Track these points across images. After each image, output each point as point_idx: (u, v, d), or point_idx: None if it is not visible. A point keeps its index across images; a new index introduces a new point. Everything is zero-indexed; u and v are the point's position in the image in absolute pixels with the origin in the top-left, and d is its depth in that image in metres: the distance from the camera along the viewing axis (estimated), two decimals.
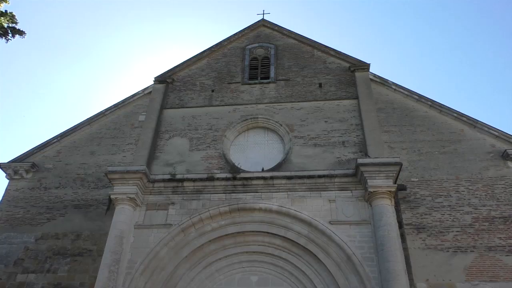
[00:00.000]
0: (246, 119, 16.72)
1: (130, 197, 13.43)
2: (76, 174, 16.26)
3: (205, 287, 13.21)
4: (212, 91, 17.96)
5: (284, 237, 13.17)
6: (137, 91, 18.44)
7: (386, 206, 12.63)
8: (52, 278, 13.81)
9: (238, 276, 13.35)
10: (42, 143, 17.22)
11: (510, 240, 13.06)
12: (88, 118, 17.79)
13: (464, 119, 15.72)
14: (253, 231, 13.45)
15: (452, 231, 13.38)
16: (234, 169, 14.59)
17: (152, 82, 18.57)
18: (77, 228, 14.81)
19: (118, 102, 18.11)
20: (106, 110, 17.96)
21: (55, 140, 17.31)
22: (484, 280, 12.49)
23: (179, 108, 17.57)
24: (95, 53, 47.18)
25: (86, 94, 46.57)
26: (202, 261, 13.39)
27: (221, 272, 13.42)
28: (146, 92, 18.34)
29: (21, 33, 12.83)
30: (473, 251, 12.98)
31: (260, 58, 18.97)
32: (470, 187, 14.19)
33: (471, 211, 13.70)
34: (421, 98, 16.47)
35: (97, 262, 13.15)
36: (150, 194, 14.11)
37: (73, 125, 17.65)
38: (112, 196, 13.61)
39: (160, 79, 18.55)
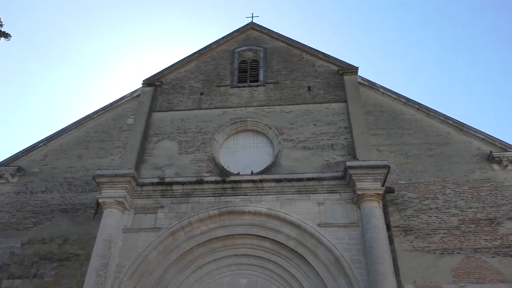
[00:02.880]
0: (235, 122, 16.73)
1: (118, 201, 13.32)
2: (63, 178, 16.07)
3: None
4: (201, 94, 17.93)
5: (273, 239, 13.19)
6: (125, 94, 18.34)
7: (374, 208, 12.73)
8: (39, 283, 13.59)
9: (227, 279, 13.32)
10: (28, 147, 16.99)
11: (496, 242, 13.24)
12: (75, 122, 17.61)
13: (451, 122, 15.94)
14: (242, 234, 13.44)
15: (439, 233, 13.52)
16: (224, 172, 14.58)
17: (141, 85, 18.48)
18: (64, 232, 14.61)
19: (106, 105, 17.98)
20: (94, 113, 17.80)
21: (41, 144, 17.09)
22: (471, 281, 12.64)
23: (168, 111, 17.51)
24: (82, 55, 46.79)
25: (73, 97, 46.16)
26: (191, 264, 13.33)
27: (210, 275, 13.38)
28: (134, 95, 18.24)
29: (6, 35, 12.62)
30: (459, 253, 13.13)
31: (249, 61, 19.01)
32: (457, 190, 14.38)
33: (457, 213, 13.87)
34: (408, 102, 16.67)
35: (85, 267, 12.99)
36: (139, 198, 14.01)
37: (60, 129, 17.46)
38: (100, 200, 13.49)
39: (149, 82, 18.47)
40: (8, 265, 14.08)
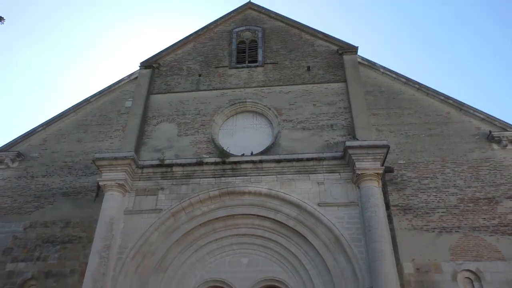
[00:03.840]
0: (234, 103, 16.67)
1: (119, 183, 13.38)
2: (63, 162, 16.12)
3: (196, 269, 13.35)
4: (199, 75, 17.81)
5: (273, 219, 13.31)
6: (122, 76, 18.21)
7: (373, 188, 12.80)
8: (43, 266, 13.78)
9: (229, 259, 13.50)
10: (27, 132, 16.98)
11: (494, 221, 13.37)
12: (73, 106, 17.54)
13: (451, 101, 15.89)
14: (242, 214, 13.56)
15: (438, 212, 13.64)
16: (223, 154, 14.60)
17: (138, 67, 18.33)
18: (66, 215, 14.74)
19: (104, 89, 17.88)
20: (91, 96, 17.71)
21: (40, 129, 17.07)
22: (468, 259, 12.81)
23: (166, 93, 17.42)
24: (78, 38, 46.27)
25: (70, 80, 45.83)
26: (193, 244, 13.49)
27: (211, 255, 13.55)
28: (132, 77, 18.11)
29: (0, 19, 12.47)
30: (458, 231, 13.27)
31: (247, 42, 18.82)
32: (456, 169, 14.44)
33: (456, 193, 13.96)
34: (408, 81, 16.58)
35: (88, 249, 13.15)
36: (139, 180, 14.07)
37: (58, 113, 17.43)
38: (100, 183, 13.55)
39: (146, 64, 18.32)
40: (11, 249, 14.24)
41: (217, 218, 13.59)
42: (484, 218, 13.39)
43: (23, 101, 45.02)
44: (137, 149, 15.45)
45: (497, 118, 15.20)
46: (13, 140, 16.76)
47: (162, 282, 12.90)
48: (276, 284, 13.06)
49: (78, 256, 13.75)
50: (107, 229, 12.63)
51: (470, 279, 12.58)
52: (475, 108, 15.55)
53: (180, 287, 13.04)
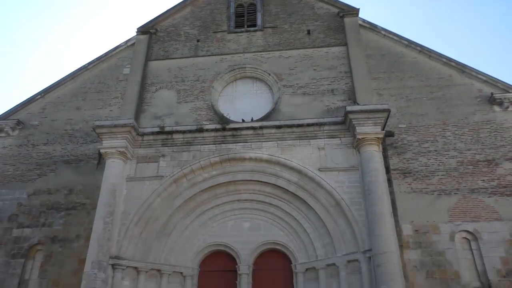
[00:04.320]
0: (234, 69, 16.46)
1: (119, 151, 13.43)
2: (63, 130, 16.13)
3: (199, 234, 13.62)
4: (198, 41, 17.50)
5: (274, 184, 13.44)
6: (119, 43, 17.90)
7: (374, 152, 12.84)
8: (48, 231, 14.07)
9: (231, 223, 13.74)
10: (26, 100, 16.89)
11: (493, 182, 13.51)
12: (71, 73, 17.35)
13: (453, 64, 15.68)
14: (244, 180, 13.68)
15: (437, 175, 13.76)
16: (223, 120, 14.56)
17: (135, 33, 17.97)
18: (68, 183, 14.91)
19: (101, 55, 17.62)
20: (89, 64, 17.48)
21: (39, 96, 16.97)
22: (466, 220, 13.04)
23: (164, 59, 17.17)
24: (75, 3, 45.23)
25: (66, 48, 45.15)
26: (195, 210, 13.70)
27: (214, 220, 13.79)
28: (129, 43, 17.80)
29: None
30: (456, 193, 13.43)
31: (246, 5, 18.36)
32: (456, 132, 14.44)
33: (456, 155, 14.03)
34: (410, 44, 16.29)
35: (92, 215, 13.37)
36: (140, 147, 14.11)
37: (56, 81, 17.28)
38: (101, 150, 13.60)
39: (143, 30, 17.94)
40: (17, 215, 14.50)
41: (218, 184, 13.72)
42: (483, 180, 13.52)
43: (20, 69, 44.55)
44: (136, 117, 15.41)
45: (499, 80, 15.04)
46: (12, 108, 16.70)
47: (166, 247, 13.19)
48: (278, 247, 13.35)
49: (83, 222, 14.02)
50: (110, 196, 12.79)
51: (468, 239, 12.85)
52: (477, 70, 15.36)
53: (183, 251, 13.34)
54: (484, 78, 15.21)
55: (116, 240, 12.52)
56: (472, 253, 12.66)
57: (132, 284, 12.38)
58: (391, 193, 12.94)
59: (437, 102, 15.05)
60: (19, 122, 16.23)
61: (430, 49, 16.03)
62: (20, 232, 14.18)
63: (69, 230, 13.99)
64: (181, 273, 13.03)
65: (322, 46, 16.53)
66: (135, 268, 12.51)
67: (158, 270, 12.80)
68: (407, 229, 12.97)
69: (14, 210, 14.61)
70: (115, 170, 13.30)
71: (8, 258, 13.78)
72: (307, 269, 12.73)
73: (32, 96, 17.01)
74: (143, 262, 12.66)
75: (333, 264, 12.31)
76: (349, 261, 12.11)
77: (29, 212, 14.51)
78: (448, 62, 15.72)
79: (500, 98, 14.62)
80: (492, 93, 14.70)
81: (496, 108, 14.72)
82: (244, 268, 12.96)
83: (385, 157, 13.47)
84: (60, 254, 13.62)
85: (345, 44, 16.34)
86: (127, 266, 12.37)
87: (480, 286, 12.20)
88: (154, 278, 12.71)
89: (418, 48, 16.14)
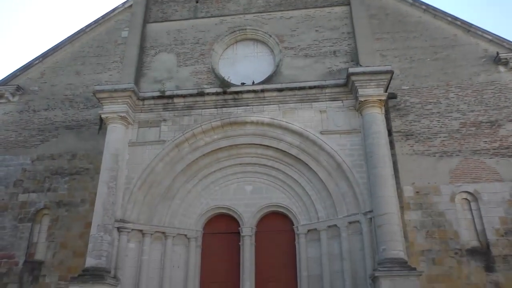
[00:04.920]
0: (234, 31, 16.09)
1: (121, 116, 13.40)
2: (64, 95, 16.04)
3: (202, 197, 13.81)
4: (197, 1, 16.99)
5: (276, 148, 13.48)
6: (117, 5, 17.45)
7: (376, 114, 12.76)
8: (53, 196, 14.28)
9: (233, 187, 13.89)
10: (24, 65, 16.68)
11: (495, 144, 13.50)
12: (68, 37, 17.02)
13: (458, 23, 15.28)
14: (245, 144, 13.71)
15: (440, 137, 13.74)
16: (224, 84, 14.41)
17: None
18: (71, 148, 14.99)
19: (98, 18, 17.21)
20: (86, 27, 17.11)
21: (37, 61, 16.74)
22: (467, 181, 13.14)
23: (163, 21, 16.75)
24: None
25: (61, 11, 44.14)
26: (198, 174, 13.82)
27: (216, 183, 13.93)
28: (126, 5, 17.30)
29: None
30: (458, 155, 13.46)
31: None
32: (460, 93, 14.29)
33: (459, 117, 13.95)
34: (415, 3, 15.81)
35: (95, 180, 13.52)
36: (141, 112, 14.07)
37: (54, 45, 16.97)
38: (102, 115, 13.57)
39: None
40: (22, 181, 14.68)
41: (220, 148, 13.77)
42: (485, 142, 13.51)
43: (17, 33, 43.76)
44: (136, 81, 15.24)
45: (505, 39, 14.69)
46: (10, 73, 16.54)
47: (169, 210, 13.40)
48: (280, 209, 13.56)
49: (87, 186, 14.20)
50: (112, 161, 12.87)
51: (468, 200, 13.01)
52: (483, 29, 14.99)
53: (187, 214, 13.57)
54: (490, 37, 14.86)
55: (120, 204, 12.73)
56: (472, 213, 12.85)
57: (138, 246, 12.68)
58: (393, 155, 13.00)
59: (441, 63, 14.79)
60: (18, 88, 16.12)
61: (435, 8, 15.59)
62: (26, 197, 14.40)
63: (74, 195, 14.20)
64: (185, 235, 13.31)
65: (324, 6, 16.07)
66: (140, 231, 12.78)
67: (163, 233, 13.07)
68: (408, 191, 13.09)
69: (19, 175, 14.78)
70: (117, 135, 13.32)
71: (16, 222, 14.07)
72: (309, 231, 12.97)
73: (31, 61, 16.79)
74: (148, 225, 12.91)
75: (335, 226, 12.53)
76: (350, 223, 12.32)
77: (33, 178, 14.68)
78: (454, 21, 15.32)
79: (506, 58, 14.34)
80: (497, 53, 14.41)
81: (501, 68, 14.48)
82: (247, 230, 13.22)
83: (387, 120, 13.42)
84: (66, 218, 13.89)
85: (348, 4, 15.85)
86: (132, 229, 12.63)
87: (479, 245, 12.46)
88: (159, 240, 13.01)
89: (423, 7, 15.69)
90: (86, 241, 12.53)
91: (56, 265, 13.30)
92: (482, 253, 12.26)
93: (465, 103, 14.12)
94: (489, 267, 12.06)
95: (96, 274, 11.31)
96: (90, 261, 11.59)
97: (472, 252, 12.30)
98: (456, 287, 11.92)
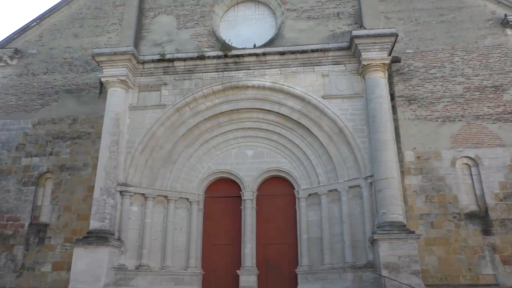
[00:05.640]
0: None
1: (121, 79, 13.26)
2: (63, 58, 15.81)
3: (204, 162, 13.88)
4: None
5: (277, 112, 13.41)
6: None
7: (379, 78, 12.60)
8: (56, 160, 14.37)
9: (235, 151, 13.93)
10: (21, 28, 16.34)
11: (499, 109, 13.38)
12: None
13: None
14: (247, 108, 13.64)
15: (443, 102, 13.60)
16: (225, 47, 14.15)
17: None
18: (72, 112, 14.94)
19: None
20: None
21: (34, 24, 16.38)
22: (469, 146, 13.11)
23: None
24: None
25: None
26: (199, 138, 13.83)
27: (217, 148, 13.97)
28: None
29: None
30: (461, 120, 13.37)
31: None
32: (465, 57, 14.02)
33: (463, 81, 13.76)
34: None
35: (97, 144, 13.55)
36: (141, 76, 13.92)
37: (51, 7, 16.56)
38: (102, 79, 13.43)
39: None
40: (24, 145, 14.73)
41: (221, 113, 13.71)
42: (489, 106, 13.39)
43: None
44: (136, 44, 14.96)
45: None
46: (8, 36, 16.24)
47: (171, 174, 13.51)
48: (281, 174, 13.65)
49: (89, 150, 14.25)
50: (113, 125, 12.85)
51: (468, 165, 13.03)
52: None
53: (189, 179, 13.68)
54: None
55: (122, 168, 12.82)
56: (472, 178, 12.91)
57: (141, 209, 12.87)
58: (395, 120, 12.95)
59: (447, 25, 14.43)
60: (17, 51, 15.87)
61: None
62: (29, 161, 14.49)
63: (76, 159, 14.27)
64: (187, 199, 13.48)
65: None
66: (143, 194, 12.93)
67: (165, 196, 13.23)
68: (409, 156, 13.11)
69: (21, 139, 14.81)
70: (117, 99, 13.23)
71: (20, 185, 14.23)
72: (309, 195, 13.11)
73: (28, 23, 16.44)
74: (150, 189, 13.05)
75: (335, 190, 12.65)
76: (350, 187, 12.42)
77: (35, 142, 14.71)
78: None
79: None
80: (505, 15, 14.02)
81: (509, 31, 14.13)
82: (248, 194, 13.36)
83: (390, 84, 13.29)
84: (69, 181, 14.02)
85: None
86: (135, 193, 12.78)
87: (477, 209, 12.59)
88: (161, 203, 13.18)
89: None
90: (89, 204, 12.72)
91: (61, 227, 13.55)
92: (480, 217, 12.41)
93: (470, 67, 13.88)
94: (486, 231, 12.25)
95: (100, 236, 11.54)
96: (94, 224, 11.80)
97: (471, 216, 12.45)
98: (453, 249, 12.15)
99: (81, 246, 11.44)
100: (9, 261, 13.43)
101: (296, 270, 12.52)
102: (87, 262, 11.25)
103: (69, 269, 11.78)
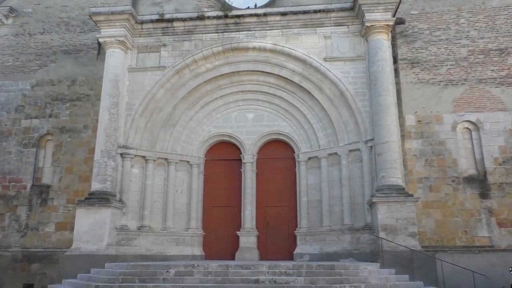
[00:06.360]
0: None
1: (119, 40, 12.99)
2: (59, 17, 15.46)
3: (204, 125, 13.85)
4: None
5: (278, 75, 13.24)
6: None
7: (382, 41, 12.33)
8: (56, 122, 14.35)
9: (235, 114, 13.88)
10: None
11: (502, 72, 13.22)
12: None
13: None
14: (247, 71, 13.45)
15: (446, 65, 13.42)
16: (225, 7, 13.77)
17: None
18: (70, 74, 14.78)
19: None
20: None
21: None
22: (470, 110, 13.06)
23: None
24: None
25: None
26: (199, 101, 13.73)
27: (218, 111, 13.90)
28: None
29: None
30: (464, 83, 13.24)
31: None
32: (471, 19, 13.70)
33: (468, 44, 13.51)
34: None
35: (97, 106, 13.49)
36: (140, 36, 13.64)
37: None
38: (100, 40, 13.17)
39: None
40: (23, 107, 14.65)
41: (222, 75, 13.54)
42: (493, 70, 13.22)
43: None
44: (134, 3, 14.47)
45: None
46: None
47: (171, 137, 13.51)
48: (281, 137, 13.65)
49: (89, 113, 14.21)
50: (113, 87, 12.71)
51: (469, 129, 13.02)
52: None
53: (189, 141, 13.70)
54: None
55: (123, 130, 12.80)
56: (472, 142, 12.93)
57: (142, 171, 12.96)
58: (397, 83, 12.80)
59: None
60: (12, 10, 15.49)
61: None
62: (29, 122, 14.47)
63: (76, 121, 14.25)
64: (188, 161, 13.54)
65: None
66: (143, 157, 12.98)
67: (166, 159, 13.28)
68: (410, 120, 13.07)
69: (20, 101, 14.73)
70: (116, 60, 13.02)
71: (21, 147, 14.27)
72: (309, 158, 13.17)
73: None
74: (151, 151, 13.09)
75: (335, 153, 12.69)
76: (350, 150, 12.45)
77: (34, 103, 14.64)
78: None
79: None
80: None
81: None
82: (249, 157, 13.42)
83: (394, 46, 13.05)
84: (69, 143, 14.06)
85: None
86: (135, 155, 12.82)
87: (476, 173, 12.69)
88: (162, 166, 13.25)
89: None
90: (90, 166, 12.81)
91: (63, 188, 13.71)
92: (479, 181, 12.54)
93: (475, 29, 13.59)
94: (484, 194, 12.40)
95: (102, 197, 11.68)
96: (95, 185, 11.91)
97: (469, 180, 12.57)
98: (450, 212, 12.35)
99: (83, 207, 11.59)
100: (13, 221, 13.69)
101: (295, 231, 12.76)
102: (90, 222, 11.45)
103: (72, 229, 12.01)
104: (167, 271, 9.18)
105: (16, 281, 12.91)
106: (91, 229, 11.40)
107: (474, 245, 12.07)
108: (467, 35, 13.56)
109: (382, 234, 10.61)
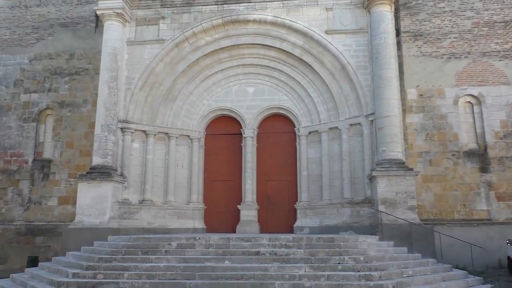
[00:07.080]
0: None
1: (117, 12, 12.74)
2: None
3: (204, 99, 13.77)
4: None
5: (279, 48, 13.06)
6: None
7: (385, 12, 12.09)
8: (55, 96, 14.28)
9: (235, 88, 13.77)
10: None
11: (506, 45, 13.04)
12: None
13: None
14: (247, 44, 13.27)
15: (450, 38, 13.22)
16: None
17: None
18: (68, 47, 14.61)
19: None
20: None
21: None
22: (473, 84, 12.95)
23: None
24: None
25: None
26: (199, 75, 13.60)
27: (218, 84, 13.78)
28: None
29: None
30: (467, 57, 13.07)
31: None
32: None
33: (472, 16, 13.27)
34: None
35: (96, 80, 13.39)
36: (138, 9, 13.38)
37: None
38: (98, 12, 12.92)
39: None
40: (22, 81, 14.54)
41: (221, 48, 13.36)
42: (497, 43, 13.03)
43: None
44: None
45: None
46: None
47: (171, 111, 13.45)
48: (282, 111, 13.58)
49: (88, 87, 14.13)
50: (111, 60, 12.56)
51: (471, 103, 12.94)
52: None
53: (189, 116, 13.65)
54: None
55: (122, 105, 12.74)
56: (474, 116, 12.87)
57: (142, 146, 12.97)
58: (399, 56, 12.67)
59: None
60: None
61: None
62: (28, 97, 14.39)
63: (75, 95, 14.18)
64: (188, 136, 13.53)
65: None
66: (143, 131, 12.96)
67: (166, 133, 13.27)
68: (411, 94, 12.99)
69: (18, 75, 14.61)
70: (114, 33, 12.82)
71: (21, 122, 14.26)
72: (310, 132, 13.15)
73: None
74: (151, 126, 13.06)
75: (336, 128, 12.66)
76: (351, 125, 12.42)
77: (33, 77, 14.52)
78: None
79: None
80: None
81: None
82: (249, 131, 13.39)
83: (397, 18, 12.85)
84: (69, 118, 14.03)
85: None
86: (136, 130, 12.81)
87: (476, 147, 12.70)
88: (162, 140, 13.25)
89: None
90: (91, 140, 12.82)
91: (64, 163, 13.77)
92: (479, 155, 12.55)
93: (480, 1, 13.32)
94: (484, 168, 12.44)
95: (103, 172, 11.73)
96: (96, 160, 11.94)
97: (469, 154, 12.59)
98: (449, 186, 12.43)
99: (85, 181, 11.66)
100: (16, 195, 13.81)
101: (295, 205, 12.88)
102: (92, 196, 11.55)
103: (74, 203, 12.13)
104: (169, 244, 9.30)
105: (21, 253, 13.14)
106: (93, 203, 11.51)
107: (473, 218, 12.20)
108: (472, 7, 13.30)
109: (381, 208, 10.70)
